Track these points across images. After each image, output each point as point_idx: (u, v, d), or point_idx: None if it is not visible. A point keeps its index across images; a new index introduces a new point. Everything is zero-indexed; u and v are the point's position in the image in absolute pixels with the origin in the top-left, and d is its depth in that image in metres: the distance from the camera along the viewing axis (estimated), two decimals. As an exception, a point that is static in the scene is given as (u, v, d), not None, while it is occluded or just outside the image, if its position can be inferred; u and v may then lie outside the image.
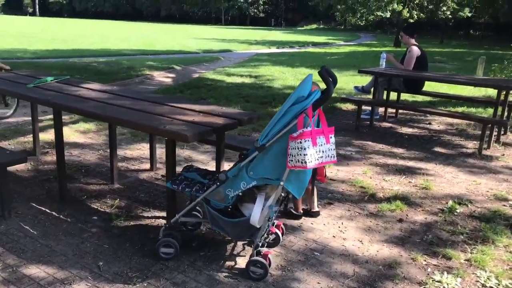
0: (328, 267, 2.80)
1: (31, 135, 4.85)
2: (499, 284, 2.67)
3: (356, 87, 7.16)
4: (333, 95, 8.35)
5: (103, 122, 5.63)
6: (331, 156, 2.48)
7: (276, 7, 67.23)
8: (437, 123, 6.78)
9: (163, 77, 11.00)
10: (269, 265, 2.68)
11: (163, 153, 4.40)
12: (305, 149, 2.34)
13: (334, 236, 3.19)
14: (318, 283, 2.63)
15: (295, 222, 3.36)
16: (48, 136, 5.27)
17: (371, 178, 4.37)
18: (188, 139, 2.60)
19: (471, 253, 3.01)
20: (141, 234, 3.12)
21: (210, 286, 2.56)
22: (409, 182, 4.30)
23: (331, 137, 2.49)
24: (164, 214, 3.37)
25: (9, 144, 4.97)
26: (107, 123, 4.81)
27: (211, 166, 4.26)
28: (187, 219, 3.04)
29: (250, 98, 8.10)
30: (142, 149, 4.98)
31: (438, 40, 32.42)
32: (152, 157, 4.31)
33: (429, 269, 2.81)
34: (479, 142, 5.35)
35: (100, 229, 3.16)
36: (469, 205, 3.78)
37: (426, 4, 27.42)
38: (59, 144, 3.50)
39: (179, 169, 3.23)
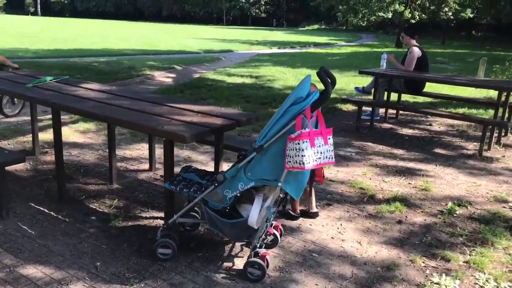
0: (326, 268, 2.79)
1: (31, 134, 4.85)
2: (497, 286, 2.66)
3: (356, 88, 7.15)
4: (334, 95, 8.37)
5: (102, 122, 5.62)
6: (329, 158, 2.47)
7: (277, 7, 67.25)
8: (438, 124, 6.77)
9: (163, 77, 11.00)
10: (267, 266, 2.67)
11: (163, 153, 4.40)
12: (303, 150, 2.33)
13: (333, 238, 3.18)
14: (316, 284, 2.62)
15: (293, 223, 3.35)
16: (47, 135, 5.27)
17: (370, 179, 4.35)
18: (185, 139, 2.59)
19: (470, 255, 3.00)
20: (139, 234, 3.11)
21: (208, 287, 2.55)
22: (409, 183, 4.28)
23: (329, 138, 2.48)
24: (162, 214, 3.37)
25: (9, 144, 4.97)
26: (106, 123, 4.80)
27: (211, 167, 4.26)
28: (185, 220, 3.04)
29: (251, 98, 8.09)
30: (141, 149, 4.97)
31: (440, 41, 32.39)
32: (151, 158, 4.31)
33: (427, 271, 2.80)
34: (479, 143, 5.34)
35: (98, 229, 3.16)
36: (468, 207, 3.77)
37: (428, 5, 27.42)
38: (58, 144, 3.50)
39: (178, 169, 3.23)
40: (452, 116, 6.12)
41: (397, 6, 25.14)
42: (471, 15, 30.56)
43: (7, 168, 3.30)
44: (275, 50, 22.79)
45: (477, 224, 3.46)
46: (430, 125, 6.72)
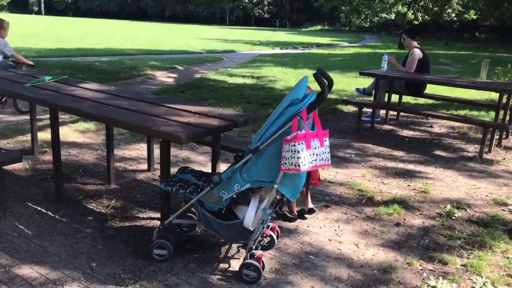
0: (323, 270, 2.78)
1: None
2: (495, 291, 2.64)
3: (357, 89, 7.13)
4: (335, 96, 8.35)
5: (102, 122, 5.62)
6: (325, 160, 2.46)
7: (281, 7, 67.22)
8: (439, 126, 6.74)
9: (165, 77, 11.00)
10: (263, 268, 2.66)
11: (161, 154, 4.38)
12: (298, 152, 2.32)
13: (330, 240, 3.17)
14: (312, 287, 2.61)
15: (291, 225, 3.34)
16: (47, 135, 5.26)
17: (369, 181, 4.34)
18: (181, 140, 2.58)
19: (467, 258, 2.98)
20: (136, 235, 3.10)
21: (203, 289, 2.54)
22: (408, 185, 4.27)
23: (325, 140, 2.47)
24: (159, 215, 3.36)
25: (8, 143, 4.97)
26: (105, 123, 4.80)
27: (209, 167, 4.24)
28: (182, 221, 3.03)
29: (251, 99, 8.08)
30: (140, 150, 4.97)
31: (443, 43, 32.31)
32: (149, 158, 4.30)
33: (424, 274, 2.78)
34: (480, 145, 5.31)
35: (95, 230, 3.15)
36: (467, 210, 3.75)
37: (431, 6, 27.36)
38: (56, 144, 3.50)
39: (176, 170, 3.22)
40: (453, 118, 6.09)
41: (400, 7, 25.09)
42: (475, 17, 30.51)
43: (5, 167, 3.30)
44: (277, 50, 22.77)
45: (475, 227, 3.44)
46: (431, 127, 6.70)
